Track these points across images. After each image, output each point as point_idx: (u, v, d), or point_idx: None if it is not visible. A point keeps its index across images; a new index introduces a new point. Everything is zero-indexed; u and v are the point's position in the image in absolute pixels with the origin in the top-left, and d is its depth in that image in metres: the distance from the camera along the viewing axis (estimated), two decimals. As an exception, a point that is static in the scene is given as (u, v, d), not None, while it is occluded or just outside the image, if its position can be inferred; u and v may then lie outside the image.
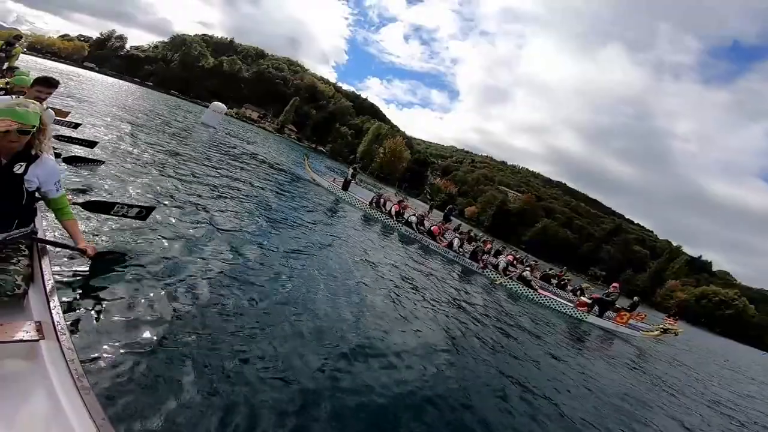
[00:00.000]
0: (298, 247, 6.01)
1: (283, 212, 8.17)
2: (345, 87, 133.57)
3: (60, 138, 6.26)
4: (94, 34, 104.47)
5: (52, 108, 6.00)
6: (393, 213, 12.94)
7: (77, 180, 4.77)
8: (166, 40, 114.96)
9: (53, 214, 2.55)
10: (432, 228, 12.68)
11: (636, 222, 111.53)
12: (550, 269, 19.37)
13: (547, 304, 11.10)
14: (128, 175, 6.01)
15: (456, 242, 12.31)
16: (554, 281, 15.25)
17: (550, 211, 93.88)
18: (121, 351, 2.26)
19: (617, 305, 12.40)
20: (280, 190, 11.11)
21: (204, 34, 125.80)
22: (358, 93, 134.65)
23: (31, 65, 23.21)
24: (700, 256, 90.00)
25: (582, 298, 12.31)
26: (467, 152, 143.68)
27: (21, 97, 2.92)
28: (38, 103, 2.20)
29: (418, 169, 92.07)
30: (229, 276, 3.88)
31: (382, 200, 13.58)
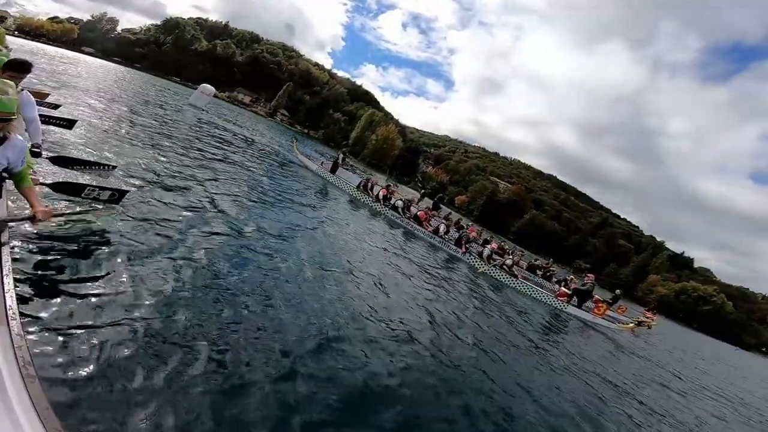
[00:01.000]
0: (281, 228, 5.91)
1: (268, 193, 8.02)
2: (340, 74, 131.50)
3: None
4: (82, 15, 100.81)
5: (30, 89, 5.67)
6: (380, 197, 12.84)
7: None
8: (159, 23, 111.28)
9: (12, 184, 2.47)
10: (418, 213, 12.63)
11: (623, 217, 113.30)
12: (536, 260, 19.57)
13: (529, 293, 11.21)
14: (106, 155, 5.79)
15: (442, 228, 12.29)
16: (540, 272, 15.40)
17: (540, 203, 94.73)
18: (73, 338, 2.17)
19: (597, 296, 12.60)
20: (266, 171, 10.91)
21: (198, 18, 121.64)
22: (353, 80, 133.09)
23: (19, 48, 22.24)
24: (683, 253, 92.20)
25: (562, 288, 12.46)
26: (460, 142, 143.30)
27: None
28: (13, 84, 2.21)
29: (410, 157, 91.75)
30: (204, 258, 3.77)
31: (369, 184, 13.45)
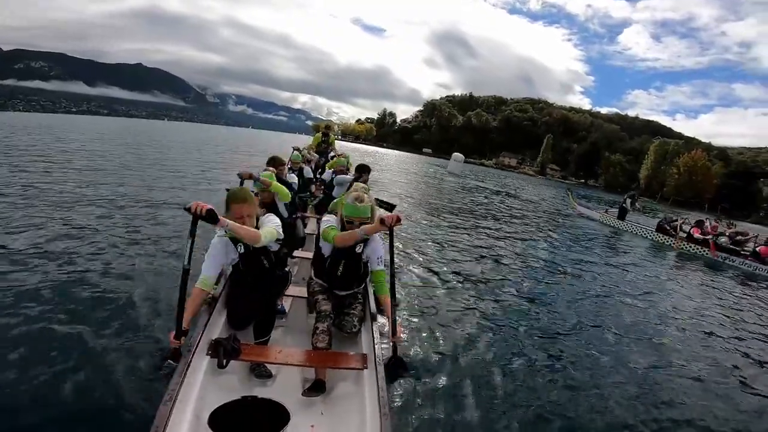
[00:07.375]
0: (573, 282, 6.01)
1: (551, 249, 8.38)
2: (604, 111, 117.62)
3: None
4: (371, 114, 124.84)
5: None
6: (692, 237, 11.11)
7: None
8: (421, 108, 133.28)
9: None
10: (759, 249, 9.90)
11: None
12: None
13: None
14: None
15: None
16: None
17: None
18: (421, 388, 2.66)
19: None
20: (542, 228, 11.68)
21: (447, 96, 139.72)
22: (622, 113, 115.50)
23: (343, 147, 34.98)
24: None
25: None
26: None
27: (356, 184, 3.60)
28: (367, 193, 2.59)
29: (739, 184, 65.48)
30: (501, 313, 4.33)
31: (675, 224, 11.95)
